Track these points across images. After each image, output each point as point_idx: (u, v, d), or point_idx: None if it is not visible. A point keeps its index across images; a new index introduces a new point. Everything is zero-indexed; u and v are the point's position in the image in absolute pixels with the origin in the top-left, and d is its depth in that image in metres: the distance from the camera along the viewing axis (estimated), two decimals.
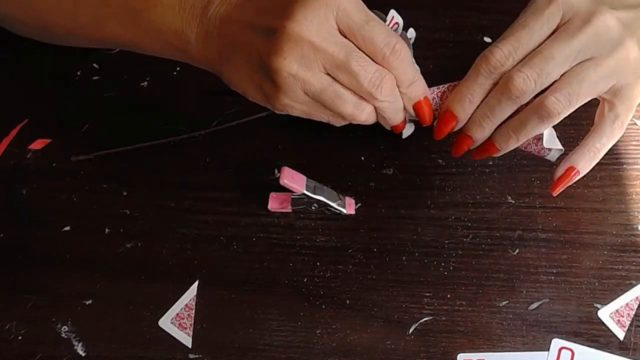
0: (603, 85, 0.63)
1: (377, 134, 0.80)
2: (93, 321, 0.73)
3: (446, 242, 0.74)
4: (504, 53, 0.62)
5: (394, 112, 0.65)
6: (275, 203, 0.78)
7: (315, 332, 0.71)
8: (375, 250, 0.74)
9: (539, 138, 0.67)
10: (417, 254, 0.74)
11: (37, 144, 0.84)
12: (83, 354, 0.72)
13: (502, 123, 0.66)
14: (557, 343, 0.68)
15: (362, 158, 0.80)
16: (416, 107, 0.65)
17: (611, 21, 0.62)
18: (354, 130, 0.80)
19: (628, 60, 0.63)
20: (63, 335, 0.73)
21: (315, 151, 0.80)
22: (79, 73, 0.89)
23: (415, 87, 0.65)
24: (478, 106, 0.65)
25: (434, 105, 0.67)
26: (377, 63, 0.62)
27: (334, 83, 0.62)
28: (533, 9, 0.63)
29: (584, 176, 0.75)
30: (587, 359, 0.67)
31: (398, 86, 0.64)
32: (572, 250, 0.72)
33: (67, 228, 0.79)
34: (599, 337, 0.68)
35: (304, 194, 0.74)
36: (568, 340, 0.68)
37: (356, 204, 0.77)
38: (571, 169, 0.67)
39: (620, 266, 0.71)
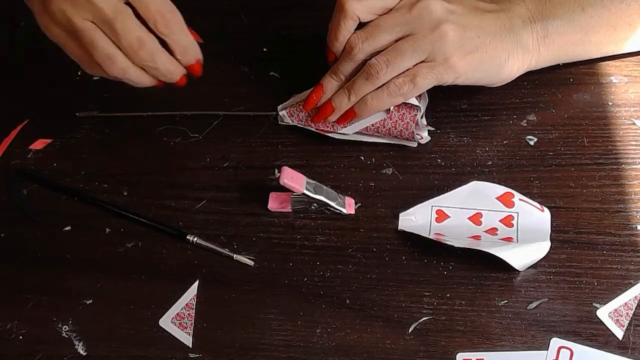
0: (415, 58, 0.74)
1: None
2: (94, 321, 0.74)
3: None
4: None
5: (161, 75, 0.72)
6: (275, 203, 0.78)
7: (315, 332, 0.71)
8: (375, 250, 0.75)
9: (408, 123, 0.77)
10: (416, 254, 0.74)
11: (38, 144, 0.84)
12: (84, 354, 0.72)
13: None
14: (556, 342, 0.68)
15: (362, 158, 0.80)
16: (190, 69, 0.74)
17: (435, 6, 0.74)
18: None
19: (442, 41, 0.73)
20: (64, 334, 0.73)
21: (315, 151, 0.81)
22: (79, 73, 0.89)
23: (186, 55, 0.72)
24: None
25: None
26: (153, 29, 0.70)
27: (93, 29, 0.69)
28: None
29: (583, 176, 0.75)
30: (586, 358, 0.67)
31: (172, 51, 0.71)
32: (571, 249, 0.72)
33: (68, 228, 0.79)
34: (597, 336, 0.68)
35: (304, 194, 0.75)
36: (567, 339, 0.68)
37: (356, 204, 0.77)
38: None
39: (619, 266, 0.71)
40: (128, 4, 0.69)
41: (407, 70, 0.74)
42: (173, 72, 0.72)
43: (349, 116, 0.77)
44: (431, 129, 0.79)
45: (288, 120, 0.81)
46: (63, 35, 0.71)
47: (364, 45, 0.74)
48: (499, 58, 0.75)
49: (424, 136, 0.78)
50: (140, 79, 0.72)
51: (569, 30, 0.76)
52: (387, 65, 0.74)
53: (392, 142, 0.79)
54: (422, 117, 0.78)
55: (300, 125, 0.80)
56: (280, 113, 0.81)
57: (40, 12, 0.71)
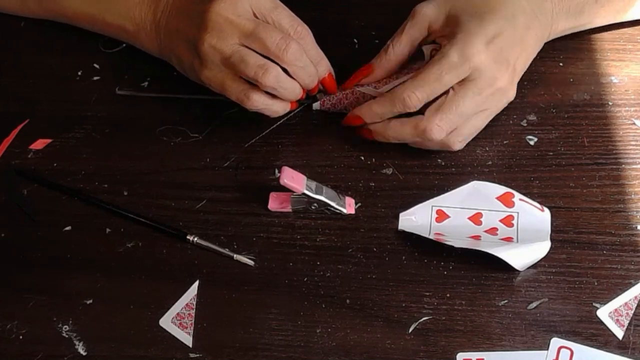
0: (482, 122, 0.77)
1: None
2: (94, 321, 0.74)
3: None
4: (419, 98, 0.73)
5: (307, 76, 0.76)
6: (275, 203, 0.78)
7: (315, 332, 0.71)
8: (375, 250, 0.75)
9: None
10: (417, 254, 0.74)
11: (38, 144, 0.84)
12: (84, 354, 0.72)
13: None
14: (556, 342, 0.68)
15: (362, 158, 0.80)
16: (322, 82, 0.79)
17: (509, 85, 0.75)
18: (353, 130, 0.81)
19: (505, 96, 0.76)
20: (64, 334, 0.73)
21: (315, 151, 0.81)
22: (79, 73, 0.89)
23: (319, 67, 0.77)
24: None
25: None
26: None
27: (241, 48, 0.74)
28: (448, 64, 0.73)
29: (584, 176, 0.75)
30: (586, 358, 0.67)
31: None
32: (571, 249, 0.72)
33: (68, 228, 0.79)
34: (597, 336, 0.68)
35: (304, 194, 0.75)
36: (567, 339, 0.68)
37: (356, 204, 0.77)
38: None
39: (619, 265, 0.71)
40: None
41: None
42: (314, 75, 0.77)
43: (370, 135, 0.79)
44: None
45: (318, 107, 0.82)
46: (220, 74, 0.75)
47: (444, 133, 0.74)
48: (533, 54, 0.78)
49: None
50: (293, 86, 0.76)
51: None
52: (465, 140, 0.77)
53: None
54: None
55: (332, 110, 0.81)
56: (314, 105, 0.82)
57: (199, 67, 0.76)
